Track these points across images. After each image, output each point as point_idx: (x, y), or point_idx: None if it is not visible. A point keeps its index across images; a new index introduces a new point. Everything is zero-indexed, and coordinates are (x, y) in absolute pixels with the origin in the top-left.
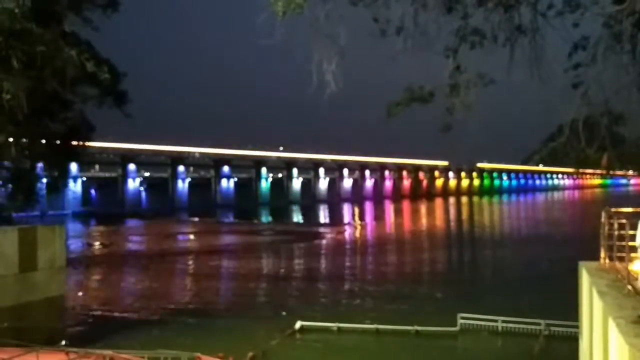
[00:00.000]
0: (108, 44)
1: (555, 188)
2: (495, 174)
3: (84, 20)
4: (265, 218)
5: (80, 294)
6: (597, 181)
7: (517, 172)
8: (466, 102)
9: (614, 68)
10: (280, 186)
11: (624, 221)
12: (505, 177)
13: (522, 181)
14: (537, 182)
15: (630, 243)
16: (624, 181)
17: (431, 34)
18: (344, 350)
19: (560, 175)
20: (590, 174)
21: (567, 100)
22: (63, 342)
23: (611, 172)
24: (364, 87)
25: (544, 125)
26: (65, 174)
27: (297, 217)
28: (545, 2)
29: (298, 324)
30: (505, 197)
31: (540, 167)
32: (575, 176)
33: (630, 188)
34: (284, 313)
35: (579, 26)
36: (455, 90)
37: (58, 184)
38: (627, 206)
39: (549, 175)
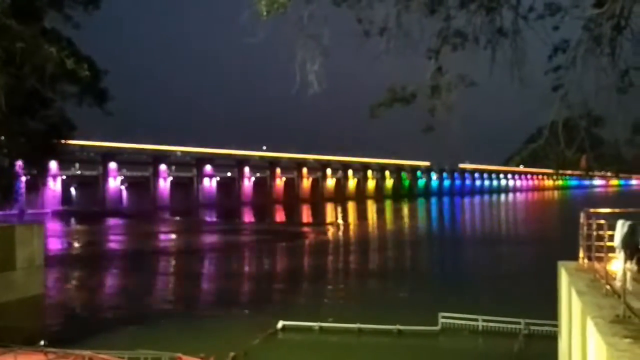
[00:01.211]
0: (89, 41)
1: (526, 189)
2: (476, 174)
3: (65, 17)
4: (248, 217)
5: (59, 293)
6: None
7: (497, 172)
8: (447, 103)
9: (594, 71)
10: (263, 185)
11: (602, 222)
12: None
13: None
14: (518, 182)
15: (609, 243)
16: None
17: (414, 35)
18: (326, 349)
19: (531, 175)
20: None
21: (548, 102)
22: (42, 342)
23: (590, 173)
24: (348, 87)
25: (525, 126)
26: (44, 172)
27: (280, 217)
28: (526, 5)
29: (280, 324)
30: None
31: (521, 168)
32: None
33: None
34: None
35: (559, 29)
36: (437, 91)
37: (37, 183)
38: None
39: (527, 176)
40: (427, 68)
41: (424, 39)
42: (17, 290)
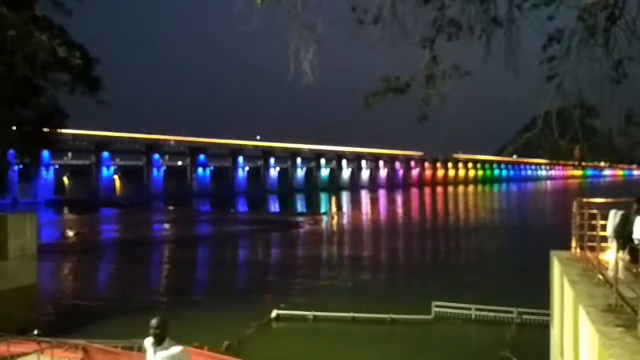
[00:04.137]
0: (85, 30)
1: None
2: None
3: (56, 4)
4: (242, 207)
5: (52, 283)
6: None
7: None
8: (442, 92)
9: (588, 61)
10: (257, 175)
11: (594, 211)
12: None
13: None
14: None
15: (601, 233)
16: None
17: (408, 25)
18: (320, 338)
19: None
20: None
21: (542, 92)
22: (35, 332)
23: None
24: (342, 77)
25: (519, 116)
26: (37, 162)
27: (274, 207)
28: None
29: (274, 313)
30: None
31: (514, 158)
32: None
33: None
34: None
35: (554, 19)
36: (432, 81)
37: (30, 172)
38: None
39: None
40: (422, 57)
41: (418, 28)
42: (10, 279)
